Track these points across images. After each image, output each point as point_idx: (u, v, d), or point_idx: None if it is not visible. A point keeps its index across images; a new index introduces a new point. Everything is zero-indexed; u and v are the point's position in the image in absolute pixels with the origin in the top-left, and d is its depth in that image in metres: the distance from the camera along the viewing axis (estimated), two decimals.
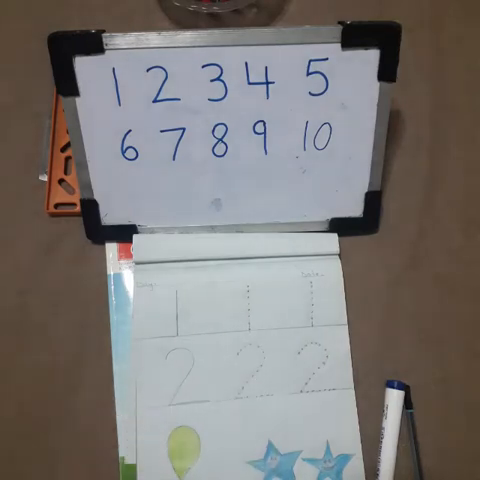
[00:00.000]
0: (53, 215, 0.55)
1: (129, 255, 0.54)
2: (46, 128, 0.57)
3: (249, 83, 0.48)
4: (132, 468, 0.48)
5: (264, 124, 0.50)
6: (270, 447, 0.49)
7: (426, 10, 0.63)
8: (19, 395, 0.50)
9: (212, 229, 0.54)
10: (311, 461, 0.49)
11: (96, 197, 0.52)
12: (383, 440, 0.49)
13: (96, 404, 0.50)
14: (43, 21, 0.59)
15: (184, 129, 0.50)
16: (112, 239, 0.54)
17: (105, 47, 0.46)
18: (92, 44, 0.46)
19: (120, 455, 0.49)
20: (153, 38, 0.46)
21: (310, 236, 0.54)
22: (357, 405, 0.50)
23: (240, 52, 0.47)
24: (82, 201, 0.53)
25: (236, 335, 0.51)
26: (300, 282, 0.53)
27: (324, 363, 0.51)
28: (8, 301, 0.53)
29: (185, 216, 0.53)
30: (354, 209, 0.54)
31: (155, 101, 0.49)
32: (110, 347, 0.51)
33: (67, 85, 0.48)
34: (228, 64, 0.47)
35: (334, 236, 0.54)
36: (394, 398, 0.50)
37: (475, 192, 0.57)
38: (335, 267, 0.53)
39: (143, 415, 0.49)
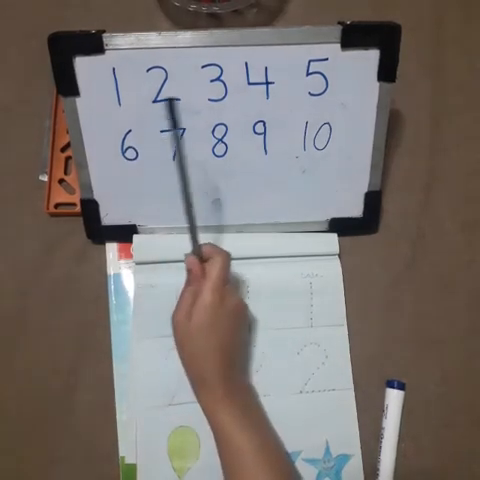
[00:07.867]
0: (53, 215, 0.55)
1: (129, 255, 0.54)
2: (46, 128, 0.57)
3: (249, 83, 0.48)
4: (132, 468, 0.48)
5: (264, 124, 0.50)
6: None
7: (426, 10, 0.63)
8: (19, 395, 0.51)
9: (212, 229, 0.54)
10: (311, 461, 0.49)
11: (96, 197, 0.52)
12: (383, 440, 0.49)
13: (96, 404, 0.50)
14: (43, 21, 0.59)
15: (184, 129, 0.50)
16: (112, 239, 0.54)
17: (105, 47, 0.46)
18: (92, 44, 0.46)
19: (120, 455, 0.49)
20: (153, 38, 0.46)
21: (310, 236, 0.54)
22: (357, 405, 0.50)
23: (240, 52, 0.47)
24: (82, 201, 0.53)
25: None
26: (300, 282, 0.53)
27: (323, 363, 0.51)
28: (8, 301, 0.53)
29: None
30: (354, 209, 0.54)
31: (155, 101, 0.48)
32: (110, 347, 0.51)
33: (67, 85, 0.48)
34: (228, 64, 0.47)
35: (334, 236, 0.54)
36: (394, 398, 0.50)
37: (475, 192, 0.57)
38: (335, 267, 0.53)
39: (143, 415, 0.49)
